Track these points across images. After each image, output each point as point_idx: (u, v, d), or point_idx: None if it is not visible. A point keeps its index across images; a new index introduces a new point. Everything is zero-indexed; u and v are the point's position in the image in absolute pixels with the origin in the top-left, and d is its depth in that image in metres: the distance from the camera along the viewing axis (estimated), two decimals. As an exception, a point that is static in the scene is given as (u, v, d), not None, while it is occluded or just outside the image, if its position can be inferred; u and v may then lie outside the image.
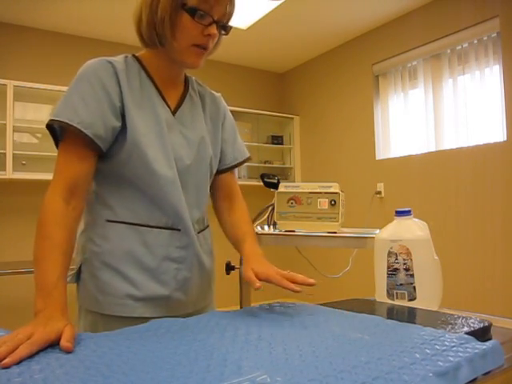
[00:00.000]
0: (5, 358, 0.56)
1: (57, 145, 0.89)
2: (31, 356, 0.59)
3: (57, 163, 0.87)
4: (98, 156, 0.90)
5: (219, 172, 1.11)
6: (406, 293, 0.93)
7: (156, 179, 0.91)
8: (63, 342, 0.62)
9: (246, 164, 1.20)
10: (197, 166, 1.00)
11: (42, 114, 3.50)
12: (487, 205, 2.86)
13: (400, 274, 0.94)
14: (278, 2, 3.20)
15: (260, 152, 4.53)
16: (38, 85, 3.32)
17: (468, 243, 2.95)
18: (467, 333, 0.65)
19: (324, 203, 1.28)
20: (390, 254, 0.95)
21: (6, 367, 0.55)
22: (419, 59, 3.43)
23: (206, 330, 0.72)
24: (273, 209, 1.39)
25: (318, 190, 1.29)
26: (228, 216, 1.11)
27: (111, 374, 0.53)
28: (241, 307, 1.41)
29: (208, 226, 1.08)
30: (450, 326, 0.71)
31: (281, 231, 1.34)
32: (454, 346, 0.59)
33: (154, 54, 0.98)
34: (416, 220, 0.98)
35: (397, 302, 0.94)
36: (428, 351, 0.58)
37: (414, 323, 0.74)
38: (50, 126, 0.87)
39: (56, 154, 0.88)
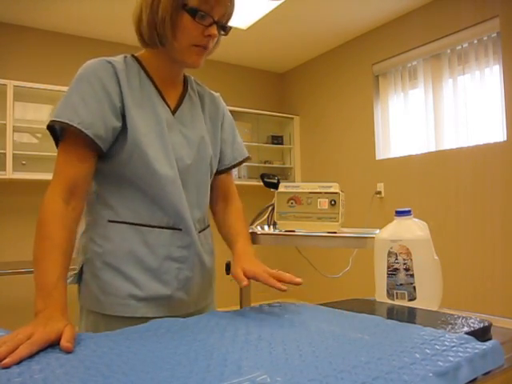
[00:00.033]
0: (5, 358, 0.56)
1: (57, 145, 0.89)
2: (31, 356, 0.59)
3: (57, 163, 0.87)
4: (99, 156, 0.90)
5: (218, 172, 1.11)
6: (405, 293, 0.93)
7: (157, 179, 0.91)
8: (63, 342, 0.62)
9: (246, 164, 1.21)
10: (197, 165, 1.00)
11: (41, 114, 3.50)
12: (487, 205, 2.86)
13: (400, 274, 0.94)
14: (278, 2, 3.20)
15: (260, 152, 4.53)
16: (38, 85, 3.31)
17: (468, 243, 2.95)
18: (467, 333, 0.65)
19: (324, 203, 1.27)
20: (390, 254, 0.95)
21: (6, 367, 0.55)
22: (419, 59, 3.42)
23: (206, 330, 0.72)
24: (273, 209, 1.39)
25: (318, 190, 1.29)
26: (223, 216, 1.11)
27: (111, 373, 0.53)
28: (241, 307, 1.41)
29: (209, 226, 1.08)
30: (449, 326, 0.71)
31: (281, 231, 1.34)
32: (454, 346, 0.59)
33: (153, 53, 0.97)
34: (416, 220, 0.98)
35: (397, 302, 0.93)
36: (428, 351, 0.58)
37: (414, 323, 0.74)
38: (51, 127, 0.87)
39: (56, 154, 0.88)
